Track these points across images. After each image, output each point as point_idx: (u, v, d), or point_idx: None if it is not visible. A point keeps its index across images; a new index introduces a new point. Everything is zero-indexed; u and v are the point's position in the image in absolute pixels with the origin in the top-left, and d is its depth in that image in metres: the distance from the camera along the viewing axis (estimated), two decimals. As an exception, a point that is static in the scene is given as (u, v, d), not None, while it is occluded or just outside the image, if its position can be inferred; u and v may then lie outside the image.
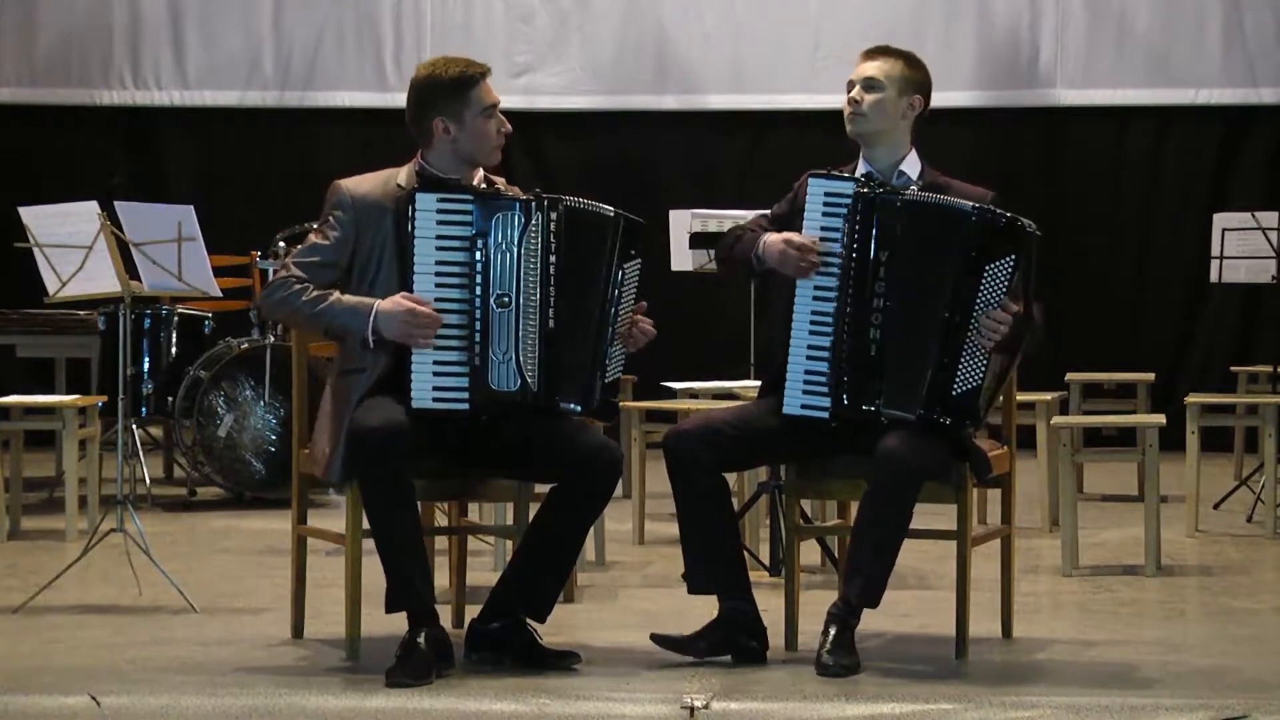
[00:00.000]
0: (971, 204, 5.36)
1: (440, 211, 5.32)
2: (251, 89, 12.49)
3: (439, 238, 5.32)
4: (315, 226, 5.56)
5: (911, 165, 5.59)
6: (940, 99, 12.97)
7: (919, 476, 5.33)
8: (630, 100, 12.44)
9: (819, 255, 5.38)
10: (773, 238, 5.47)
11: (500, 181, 5.60)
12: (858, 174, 5.54)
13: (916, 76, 5.60)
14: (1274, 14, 12.01)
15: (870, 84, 5.56)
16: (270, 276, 5.57)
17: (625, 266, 5.44)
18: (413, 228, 5.31)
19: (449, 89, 5.45)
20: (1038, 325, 5.45)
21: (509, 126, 5.55)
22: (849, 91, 5.56)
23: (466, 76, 5.46)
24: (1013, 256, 5.30)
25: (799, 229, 5.44)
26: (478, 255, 5.32)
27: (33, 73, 12.49)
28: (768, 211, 5.70)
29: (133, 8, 12.45)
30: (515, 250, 5.34)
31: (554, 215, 5.36)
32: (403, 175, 5.51)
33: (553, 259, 5.36)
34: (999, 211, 5.34)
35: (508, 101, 13.75)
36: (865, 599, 5.30)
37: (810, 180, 5.46)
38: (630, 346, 5.51)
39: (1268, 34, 12.01)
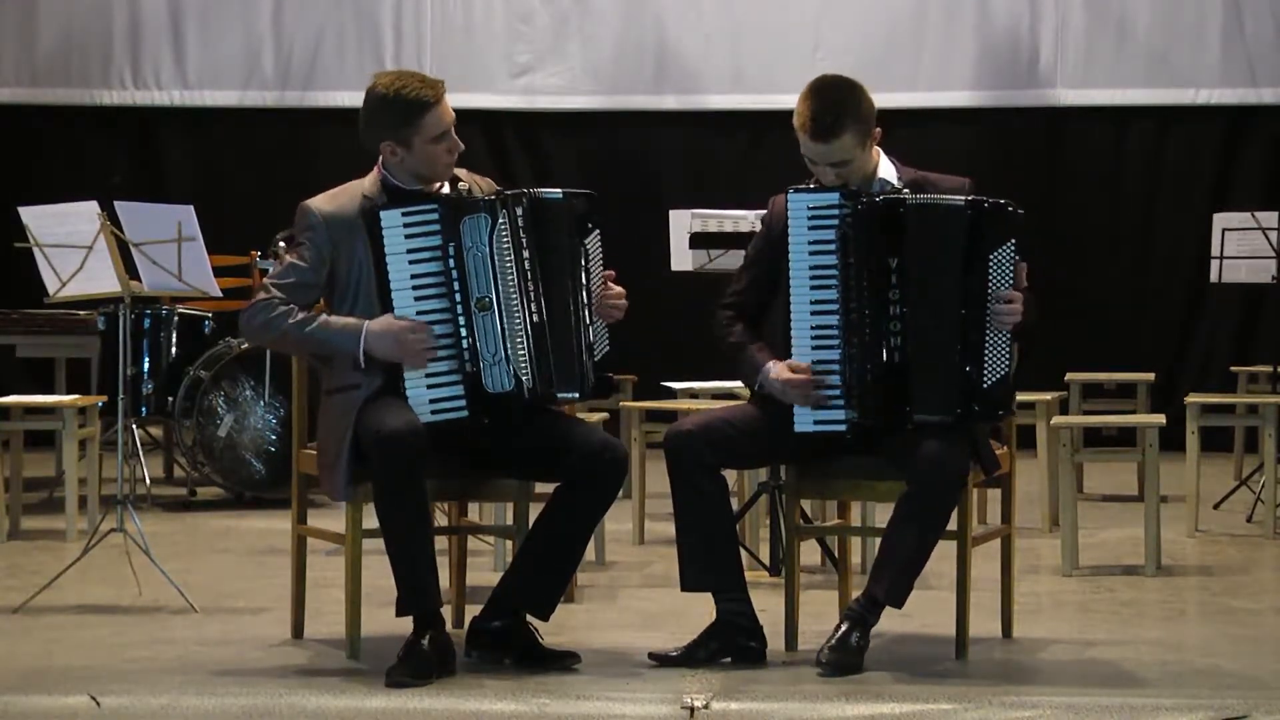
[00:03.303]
0: (963, 200, 5.36)
1: (406, 226, 5.32)
2: (251, 89, 12.49)
3: (409, 251, 5.32)
4: (288, 249, 5.55)
5: (886, 169, 5.54)
6: (940, 99, 12.89)
7: (962, 481, 5.34)
8: (630, 100, 12.44)
9: (808, 287, 5.34)
10: (772, 375, 5.40)
11: (462, 173, 5.58)
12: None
13: (864, 119, 5.41)
14: (1274, 14, 12.01)
15: (838, 164, 5.42)
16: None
17: (586, 242, 5.45)
18: (382, 246, 5.31)
19: (399, 114, 5.38)
20: (1033, 305, 5.44)
21: (461, 145, 5.47)
22: (813, 165, 5.43)
23: (419, 102, 5.37)
24: (1012, 241, 5.31)
25: (784, 254, 5.40)
26: (451, 263, 5.33)
27: (33, 73, 12.49)
28: (747, 250, 5.70)
29: (133, 8, 12.45)
30: (487, 250, 5.34)
31: (519, 210, 5.37)
32: (368, 185, 5.50)
33: (525, 253, 5.36)
34: (986, 200, 5.34)
35: (507, 101, 13.66)
36: (892, 599, 5.31)
37: (790, 197, 5.42)
38: (607, 318, 5.51)
39: (1268, 34, 12.01)
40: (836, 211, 5.36)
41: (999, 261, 5.31)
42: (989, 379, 5.33)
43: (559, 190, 5.47)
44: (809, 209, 5.39)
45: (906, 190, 5.45)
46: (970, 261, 5.31)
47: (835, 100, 5.42)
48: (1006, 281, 5.31)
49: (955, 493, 5.34)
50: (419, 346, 5.29)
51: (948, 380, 5.33)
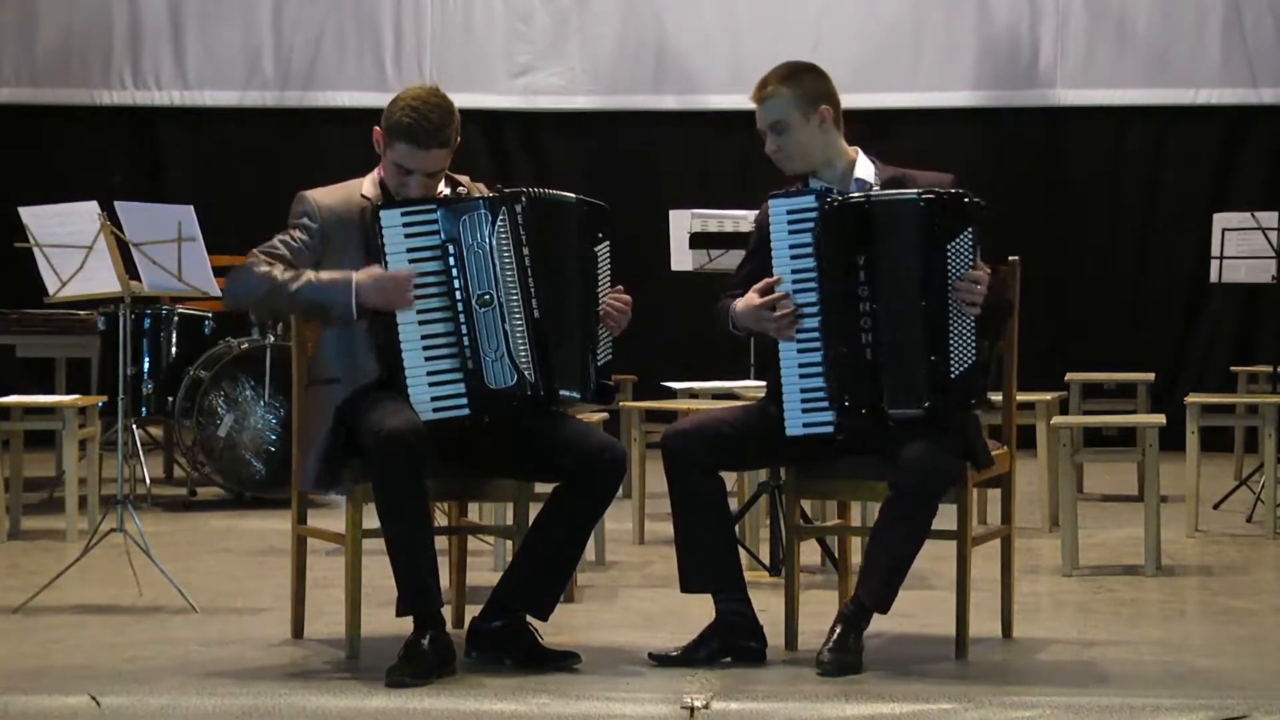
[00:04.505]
0: (917, 191, 5.36)
1: (406, 225, 5.34)
2: (251, 89, 12.50)
3: (410, 250, 5.33)
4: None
5: (864, 168, 5.55)
6: (940, 99, 12.91)
7: (945, 484, 5.34)
8: (630, 100, 12.45)
9: (791, 293, 5.37)
10: (740, 305, 5.46)
11: (464, 179, 5.58)
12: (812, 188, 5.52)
13: (808, 89, 5.49)
14: (1274, 14, 12.02)
15: (774, 127, 5.48)
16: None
17: (595, 250, 5.46)
18: (382, 246, 5.32)
19: (387, 122, 5.42)
20: (1003, 291, 5.46)
21: (430, 192, 5.44)
22: (762, 137, 5.52)
23: (402, 129, 5.37)
24: (970, 230, 5.32)
25: (770, 256, 5.42)
26: (451, 261, 5.34)
27: (33, 73, 12.50)
28: (743, 254, 5.72)
29: (133, 8, 12.46)
30: (487, 248, 5.35)
31: (518, 208, 5.38)
32: (367, 185, 5.52)
33: (526, 251, 5.37)
34: (942, 191, 5.36)
35: (507, 101, 13.69)
36: (877, 604, 5.31)
37: (771, 201, 5.45)
38: (612, 329, 5.51)
39: (1268, 34, 12.02)
40: (814, 214, 5.37)
41: (957, 250, 5.32)
42: (956, 368, 5.34)
43: (571, 195, 5.49)
44: (788, 213, 5.41)
45: (876, 188, 5.47)
46: (928, 253, 5.33)
47: (777, 70, 5.54)
48: (967, 269, 5.32)
49: (938, 496, 5.34)
50: (406, 288, 5.28)
51: (915, 372, 5.34)
